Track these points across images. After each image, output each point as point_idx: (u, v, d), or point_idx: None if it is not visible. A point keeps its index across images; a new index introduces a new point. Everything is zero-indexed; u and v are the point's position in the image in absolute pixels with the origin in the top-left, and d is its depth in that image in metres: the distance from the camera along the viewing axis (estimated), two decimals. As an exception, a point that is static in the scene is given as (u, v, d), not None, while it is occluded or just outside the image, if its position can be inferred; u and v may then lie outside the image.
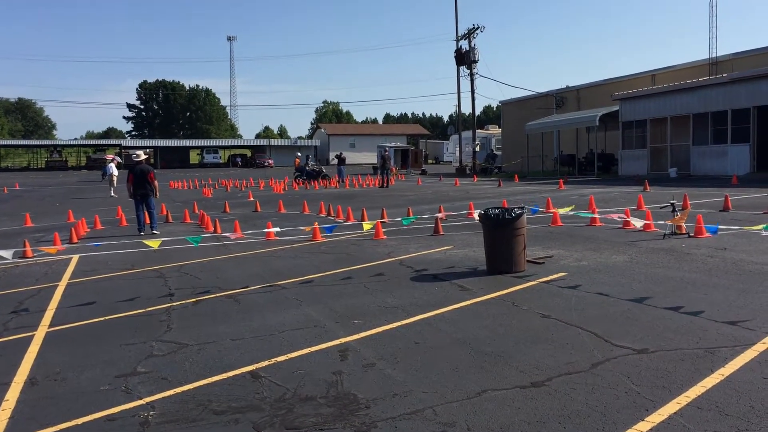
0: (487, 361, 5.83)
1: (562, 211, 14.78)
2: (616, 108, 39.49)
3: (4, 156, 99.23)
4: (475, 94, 49.62)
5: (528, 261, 10.13)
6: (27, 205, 27.76)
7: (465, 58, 49.25)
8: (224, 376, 5.68)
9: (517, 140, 52.03)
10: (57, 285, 10.13)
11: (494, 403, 4.86)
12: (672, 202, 12.73)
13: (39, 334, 7.29)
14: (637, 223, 11.96)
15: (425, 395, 5.06)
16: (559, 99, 51.81)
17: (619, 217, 12.02)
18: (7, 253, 9.41)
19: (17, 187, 42.26)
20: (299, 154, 44.19)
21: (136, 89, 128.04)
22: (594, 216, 14.82)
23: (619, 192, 25.03)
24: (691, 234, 12.39)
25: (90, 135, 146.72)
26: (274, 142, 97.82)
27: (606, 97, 42.54)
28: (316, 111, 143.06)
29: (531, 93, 55.43)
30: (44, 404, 5.19)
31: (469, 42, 49.30)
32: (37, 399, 5.31)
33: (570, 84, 53.69)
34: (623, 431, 4.28)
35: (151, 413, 4.92)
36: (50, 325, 7.69)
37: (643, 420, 4.42)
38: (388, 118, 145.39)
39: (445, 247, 12.45)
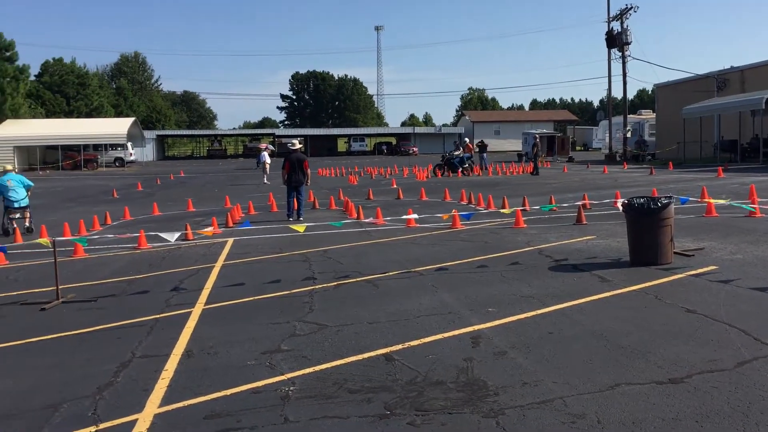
0: (623, 354, 5.69)
1: (717, 201, 13.92)
2: (786, 89, 36.29)
3: (170, 145, 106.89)
4: (627, 78, 47.48)
5: (675, 253, 9.67)
6: (190, 191, 29.88)
7: (616, 41, 47.13)
8: (360, 357, 5.93)
9: (672, 125, 49.15)
10: (213, 266, 10.91)
11: (627, 397, 4.75)
12: None
13: (196, 311, 7.93)
14: (803, 214, 11.04)
15: (555, 385, 5.04)
16: (720, 81, 48.33)
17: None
18: (170, 236, 10.25)
19: (182, 174, 45.51)
20: (464, 139, 39.24)
21: (289, 80, 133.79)
22: (754, 207, 13.82)
23: (786, 180, 23.10)
24: None
25: (247, 125, 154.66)
26: (418, 129, 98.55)
27: (775, 77, 39.21)
28: (462, 98, 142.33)
29: (689, 75, 52.20)
30: (198, 375, 5.67)
31: (621, 23, 47.14)
32: (192, 370, 5.81)
33: (734, 65, 49.95)
34: (766, 434, 4.07)
35: (291, 388, 5.25)
36: (206, 303, 8.33)
37: (790, 424, 4.16)
38: (534, 104, 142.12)
39: (587, 237, 12.12)
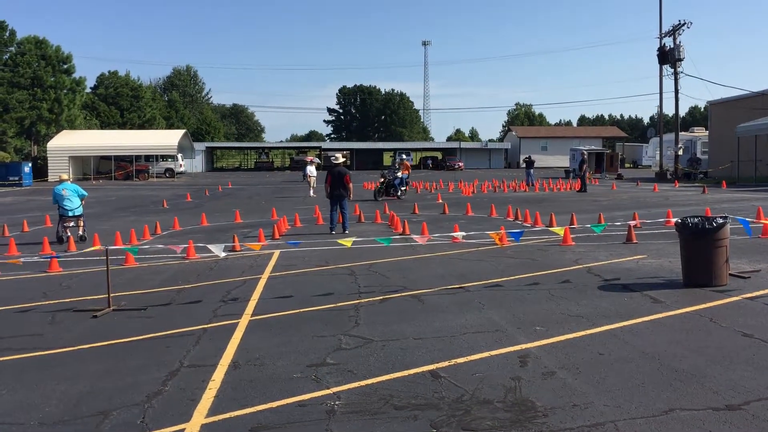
0: (678, 378, 5.53)
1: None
2: None
3: (219, 157, 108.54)
4: (679, 95, 46.53)
5: (731, 274, 9.40)
6: (237, 202, 30.26)
7: (668, 57, 46.32)
8: (405, 373, 5.88)
9: (726, 143, 47.99)
10: (260, 278, 11.00)
11: (682, 423, 4.61)
12: None
13: (243, 322, 7.99)
14: None
15: (607, 409, 4.91)
16: (776, 98, 47.03)
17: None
18: (217, 248, 10.37)
19: (230, 186, 46.14)
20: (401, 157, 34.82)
21: (336, 94, 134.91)
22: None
23: None
24: None
25: (294, 138, 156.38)
26: (464, 144, 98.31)
27: (835, 94, 37.97)
28: (508, 113, 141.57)
29: (744, 92, 50.86)
30: (244, 387, 5.69)
31: (674, 39, 46.31)
32: (239, 381, 5.84)
33: (791, 81, 48.49)
34: (832, 468, 3.89)
35: (336, 403, 5.23)
36: (253, 314, 8.39)
37: None
38: (583, 120, 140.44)
39: (638, 256, 11.87)
